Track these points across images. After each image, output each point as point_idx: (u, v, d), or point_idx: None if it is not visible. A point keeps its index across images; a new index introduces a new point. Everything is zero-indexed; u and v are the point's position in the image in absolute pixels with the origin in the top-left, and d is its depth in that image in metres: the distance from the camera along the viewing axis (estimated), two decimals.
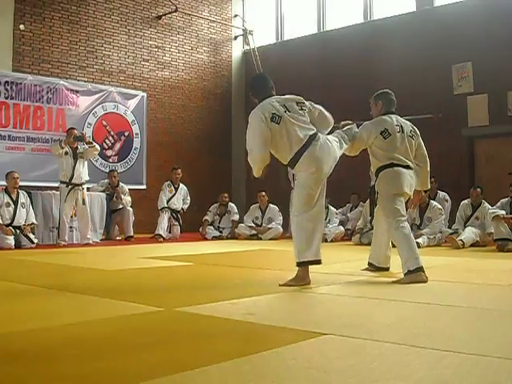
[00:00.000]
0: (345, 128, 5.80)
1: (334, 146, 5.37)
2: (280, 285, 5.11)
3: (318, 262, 5.20)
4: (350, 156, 5.98)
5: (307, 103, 5.39)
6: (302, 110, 5.29)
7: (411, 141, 5.84)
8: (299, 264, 5.17)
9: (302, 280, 5.12)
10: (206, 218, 13.10)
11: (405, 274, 5.33)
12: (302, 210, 5.20)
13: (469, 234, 9.92)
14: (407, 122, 5.99)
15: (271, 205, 12.89)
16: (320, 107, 5.46)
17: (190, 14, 15.99)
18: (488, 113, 12.79)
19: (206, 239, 12.61)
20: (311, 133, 5.21)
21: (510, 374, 2.44)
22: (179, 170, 13.02)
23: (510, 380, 2.36)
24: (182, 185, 13.10)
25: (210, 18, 16.50)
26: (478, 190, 10.42)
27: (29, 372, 2.52)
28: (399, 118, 5.94)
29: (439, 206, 10.71)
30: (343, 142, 5.63)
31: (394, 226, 5.53)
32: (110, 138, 14.32)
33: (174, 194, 12.94)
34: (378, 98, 5.99)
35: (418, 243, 9.78)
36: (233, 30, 17.22)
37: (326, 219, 12.11)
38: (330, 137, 5.45)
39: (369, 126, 5.83)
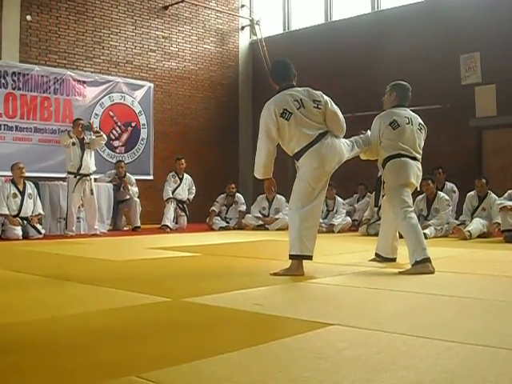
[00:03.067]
0: (361, 135, 5.82)
1: (342, 148, 5.40)
2: (271, 274, 5.16)
3: (309, 257, 5.22)
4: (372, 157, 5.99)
5: (324, 101, 5.35)
6: (316, 108, 5.28)
7: (420, 134, 5.84)
8: (291, 256, 5.22)
9: (293, 271, 5.16)
10: (213, 208, 13.11)
11: (412, 265, 5.33)
12: (299, 205, 5.25)
13: (476, 225, 9.90)
14: (417, 115, 5.98)
15: (278, 195, 12.87)
16: (335, 109, 5.39)
17: (196, 4, 15.95)
18: (496, 103, 12.74)
19: (212, 230, 12.61)
20: (321, 131, 5.23)
21: None
22: (183, 160, 13.03)
23: None
24: (186, 175, 13.12)
25: (217, 8, 16.45)
26: (483, 180, 10.39)
27: (33, 362, 2.53)
28: (409, 110, 5.94)
29: (447, 197, 10.69)
30: (356, 145, 5.67)
31: (401, 216, 5.52)
32: (117, 129, 14.32)
33: (179, 185, 12.95)
34: (394, 89, 5.98)
35: (425, 234, 9.77)
36: (240, 20, 17.18)
37: (333, 210, 12.17)
38: (342, 139, 5.46)
39: (377, 120, 5.84)
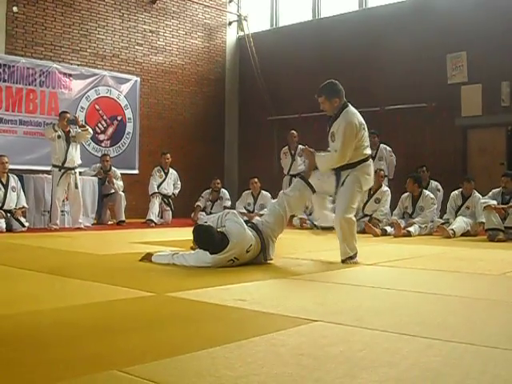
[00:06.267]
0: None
1: None
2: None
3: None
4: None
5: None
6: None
7: None
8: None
9: None
10: (198, 203, 13.10)
11: (346, 259, 5.78)
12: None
13: (460, 223, 9.94)
14: None
15: (263, 191, 12.86)
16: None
17: None
18: (481, 103, 12.80)
19: None
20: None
21: (499, 363, 2.45)
22: (168, 155, 13.04)
23: (498, 368, 2.37)
24: (171, 170, 13.12)
25: (204, 2, 16.41)
26: (472, 183, 10.41)
27: (17, 355, 2.52)
28: None
29: (431, 196, 10.73)
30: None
31: (351, 211, 5.93)
32: (103, 123, 14.26)
33: (165, 179, 12.95)
34: (333, 95, 5.81)
35: (409, 232, 9.89)
36: (227, 15, 17.14)
37: None
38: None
39: (353, 119, 5.77)
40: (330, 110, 5.84)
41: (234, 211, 5.55)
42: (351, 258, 5.82)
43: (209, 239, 5.24)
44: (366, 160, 5.83)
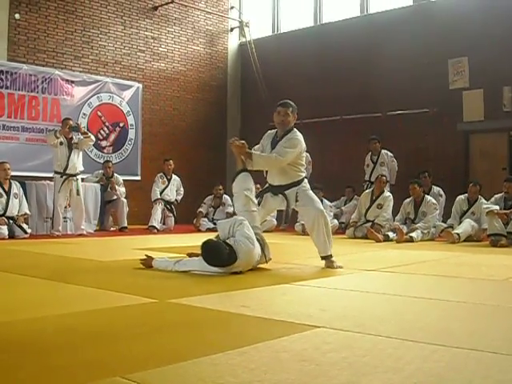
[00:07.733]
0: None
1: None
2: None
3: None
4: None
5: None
6: None
7: None
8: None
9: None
10: (201, 209, 13.10)
11: (328, 258, 5.90)
12: None
13: (466, 226, 9.90)
14: None
15: None
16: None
17: (186, 5, 15.94)
18: (483, 108, 12.80)
19: (200, 231, 12.59)
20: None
21: (502, 368, 2.45)
22: (171, 161, 13.05)
23: (502, 374, 2.37)
24: (174, 176, 13.13)
25: (206, 9, 16.44)
26: (478, 187, 10.39)
27: (20, 362, 2.51)
28: None
29: (434, 201, 10.73)
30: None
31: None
32: (105, 129, 14.28)
33: (167, 186, 12.96)
34: (295, 110, 6.16)
35: (411, 237, 9.87)
36: (229, 21, 17.18)
37: None
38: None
39: (301, 141, 6.06)
40: (288, 124, 6.10)
41: (246, 222, 5.48)
42: (331, 256, 5.89)
43: (217, 257, 5.21)
44: (304, 179, 6.11)
